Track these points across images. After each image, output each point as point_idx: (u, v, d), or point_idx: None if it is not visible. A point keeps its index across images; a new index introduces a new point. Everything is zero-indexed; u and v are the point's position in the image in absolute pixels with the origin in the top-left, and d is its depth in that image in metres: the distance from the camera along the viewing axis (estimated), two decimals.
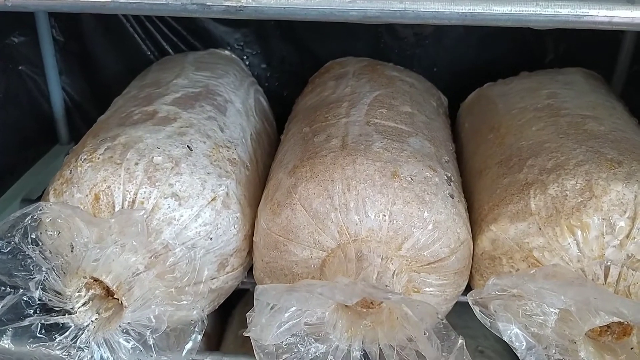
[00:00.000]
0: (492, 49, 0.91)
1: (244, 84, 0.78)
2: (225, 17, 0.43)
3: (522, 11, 0.42)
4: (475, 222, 0.59)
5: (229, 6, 0.43)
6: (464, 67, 0.92)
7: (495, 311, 0.48)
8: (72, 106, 0.99)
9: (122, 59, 0.96)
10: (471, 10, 0.42)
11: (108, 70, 0.97)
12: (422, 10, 0.42)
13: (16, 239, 0.50)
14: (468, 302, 0.60)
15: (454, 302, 0.59)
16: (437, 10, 0.42)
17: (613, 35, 0.88)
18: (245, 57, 0.94)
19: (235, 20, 0.93)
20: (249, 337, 0.89)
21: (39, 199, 0.88)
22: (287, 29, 0.94)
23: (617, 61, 0.88)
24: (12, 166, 0.89)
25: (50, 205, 0.51)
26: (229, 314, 0.94)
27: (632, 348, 0.52)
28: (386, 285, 0.49)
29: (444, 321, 0.44)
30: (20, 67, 0.92)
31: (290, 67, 0.97)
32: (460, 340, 0.44)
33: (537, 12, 0.42)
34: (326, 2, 0.43)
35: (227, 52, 0.86)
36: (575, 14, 0.42)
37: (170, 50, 0.94)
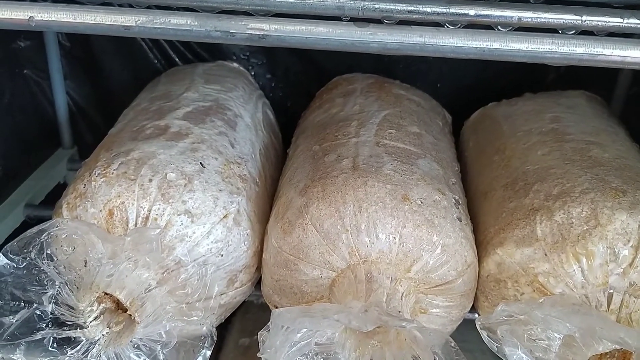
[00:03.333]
0: (495, 66, 0.92)
1: (252, 98, 0.79)
2: (248, 44, 0.44)
3: (538, 48, 0.43)
4: (480, 244, 0.60)
5: (252, 34, 0.44)
6: (467, 84, 0.93)
7: (502, 336, 0.50)
8: (76, 111, 1.00)
9: (127, 65, 0.96)
10: (489, 46, 0.43)
11: (113, 76, 0.97)
12: (441, 44, 0.43)
13: (32, 255, 0.51)
14: (467, 318, 0.61)
15: (459, 322, 0.60)
16: (455, 44, 0.43)
17: None
18: (250, 67, 0.95)
19: None
20: (248, 347, 0.89)
21: (42, 204, 0.89)
22: None
23: (617, 82, 0.90)
24: (15, 170, 0.89)
25: (67, 221, 0.52)
26: (229, 321, 0.95)
27: None
28: (399, 311, 0.50)
29: (456, 348, 0.45)
30: (25, 71, 0.93)
31: (295, 78, 0.97)
32: None
33: (553, 50, 0.43)
34: (347, 34, 0.44)
35: (235, 65, 0.87)
36: (589, 52, 0.43)
37: (177, 59, 0.94)
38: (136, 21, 0.44)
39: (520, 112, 0.74)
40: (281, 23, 0.44)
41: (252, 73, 0.95)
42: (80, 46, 0.95)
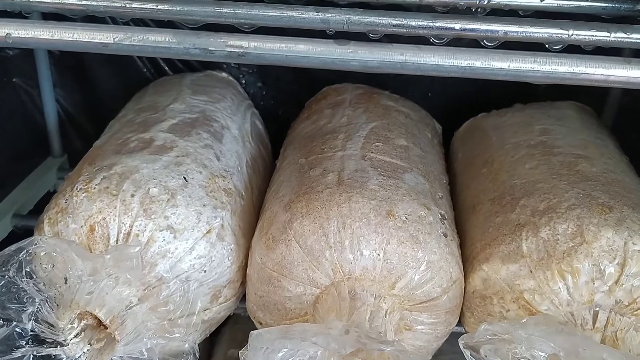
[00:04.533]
0: None
1: (240, 108, 0.78)
2: (227, 61, 0.44)
3: (520, 67, 0.43)
4: (467, 259, 0.60)
5: (231, 52, 0.43)
6: (458, 93, 0.92)
7: (485, 356, 0.49)
8: (65, 119, 0.99)
9: (116, 73, 0.96)
10: (470, 65, 0.43)
11: (102, 84, 0.97)
12: (422, 62, 0.43)
13: (10, 273, 0.50)
14: (456, 331, 0.61)
15: (445, 338, 0.59)
16: (437, 63, 0.43)
17: None
18: (241, 76, 0.94)
19: None
20: (238, 356, 0.89)
21: (30, 213, 0.88)
22: None
23: (609, 92, 0.89)
24: (4, 179, 0.88)
25: (46, 239, 0.51)
26: (218, 331, 0.94)
27: None
28: (380, 332, 0.49)
29: None
30: (14, 80, 0.92)
31: (286, 86, 0.97)
32: None
33: (535, 69, 0.42)
34: (328, 52, 0.43)
35: (224, 74, 0.86)
36: (572, 71, 0.42)
37: (166, 67, 0.93)
38: (114, 38, 0.44)
39: (509, 123, 0.73)
40: (260, 40, 0.44)
41: (243, 81, 0.94)
42: (70, 54, 0.95)
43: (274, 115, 0.95)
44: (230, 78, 0.86)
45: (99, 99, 0.98)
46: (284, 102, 0.97)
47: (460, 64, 0.43)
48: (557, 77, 0.43)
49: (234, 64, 0.94)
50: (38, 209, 0.89)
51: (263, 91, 0.97)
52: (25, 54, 0.91)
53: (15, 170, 0.92)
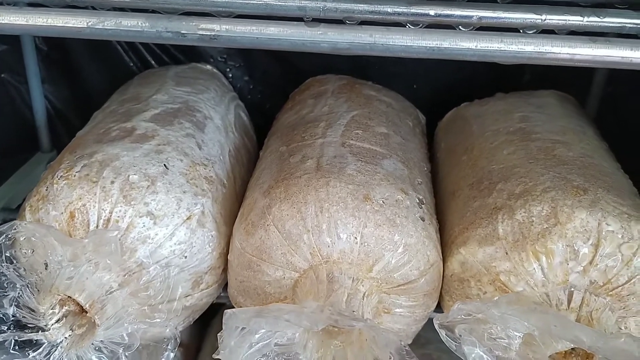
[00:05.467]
0: (471, 67, 0.92)
1: (224, 100, 0.79)
2: (199, 44, 0.44)
3: (487, 47, 0.43)
4: (445, 244, 0.60)
5: (203, 35, 0.44)
6: (443, 85, 0.93)
7: (460, 335, 0.50)
8: (54, 114, 1.00)
9: (104, 68, 0.96)
10: (438, 45, 0.43)
11: (90, 79, 0.97)
12: (391, 43, 0.44)
13: None
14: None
15: (424, 322, 0.60)
16: (405, 44, 0.43)
17: None
18: (227, 70, 0.95)
19: None
20: None
21: (19, 207, 0.89)
22: None
23: (592, 82, 0.90)
24: None
25: (25, 224, 0.52)
26: (208, 324, 0.95)
27: None
28: (353, 311, 0.50)
29: (407, 348, 0.45)
30: (2, 75, 0.93)
31: (273, 80, 0.97)
32: None
33: (502, 49, 0.43)
34: (298, 34, 0.44)
35: (208, 67, 0.87)
36: (538, 50, 0.43)
37: (153, 62, 0.94)
38: (87, 23, 0.44)
39: (490, 111, 0.74)
40: (232, 23, 0.44)
41: (230, 75, 0.95)
42: (58, 50, 0.95)
43: (261, 109, 0.96)
44: (215, 70, 0.87)
45: (87, 95, 0.98)
46: (271, 96, 0.98)
47: (428, 45, 0.43)
48: (524, 57, 0.43)
49: (221, 57, 0.95)
50: None
51: (250, 85, 0.98)
52: (13, 50, 0.92)
53: (4, 165, 0.92)
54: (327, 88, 0.77)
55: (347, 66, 0.91)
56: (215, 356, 0.48)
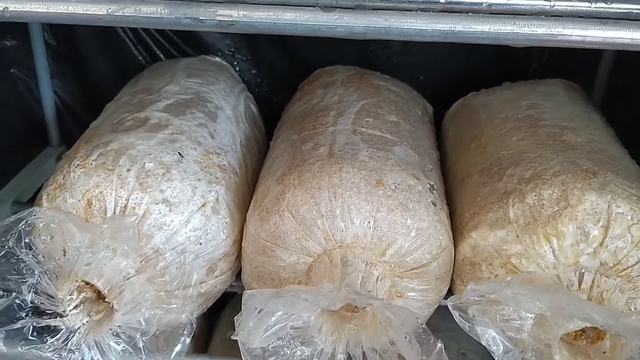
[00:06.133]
0: (478, 57, 0.93)
1: (234, 91, 0.80)
2: (217, 30, 0.45)
3: (500, 30, 0.44)
4: (456, 229, 0.61)
5: (221, 21, 0.44)
6: (450, 76, 0.94)
7: (473, 316, 0.50)
8: (63, 109, 1.00)
9: (113, 63, 0.97)
10: (452, 28, 0.44)
11: (99, 74, 0.98)
12: (405, 27, 0.44)
13: (10, 243, 0.51)
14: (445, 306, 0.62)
15: (436, 306, 0.61)
16: (420, 27, 0.44)
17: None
18: (235, 63, 0.95)
19: None
20: (236, 340, 0.90)
21: (30, 201, 0.90)
22: (277, 36, 0.95)
23: (598, 71, 0.91)
24: (3, 168, 0.90)
25: (44, 210, 0.52)
26: (217, 316, 0.95)
27: (604, 352, 0.54)
28: (369, 291, 0.51)
29: (423, 326, 0.46)
30: (12, 70, 0.94)
31: (280, 73, 0.98)
32: (439, 345, 0.46)
33: (515, 31, 0.44)
34: (314, 19, 0.45)
35: (217, 59, 0.88)
36: (550, 33, 0.44)
37: (162, 55, 0.95)
38: (107, 10, 0.45)
39: (497, 100, 0.74)
40: (249, 9, 0.45)
41: (237, 69, 0.95)
42: (66, 45, 0.96)
43: (269, 103, 0.97)
44: (224, 62, 0.88)
45: (96, 89, 0.99)
46: (278, 89, 0.99)
47: (442, 28, 0.44)
48: (537, 39, 0.44)
49: (228, 51, 0.95)
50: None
51: (257, 78, 0.99)
52: (22, 44, 0.93)
53: (14, 160, 0.93)
54: (336, 78, 0.78)
55: (353, 58, 0.92)
56: (233, 337, 0.49)
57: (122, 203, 0.56)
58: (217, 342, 0.91)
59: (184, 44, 0.94)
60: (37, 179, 0.94)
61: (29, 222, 0.52)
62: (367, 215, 0.55)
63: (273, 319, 0.50)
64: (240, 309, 0.90)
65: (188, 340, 0.56)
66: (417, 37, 0.45)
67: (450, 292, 0.62)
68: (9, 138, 0.93)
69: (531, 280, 0.49)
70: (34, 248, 0.53)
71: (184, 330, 0.57)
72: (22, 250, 0.52)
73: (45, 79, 0.96)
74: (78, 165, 0.58)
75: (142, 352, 0.55)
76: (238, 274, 0.65)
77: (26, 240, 0.52)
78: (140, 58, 0.95)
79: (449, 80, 0.94)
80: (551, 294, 0.49)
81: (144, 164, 0.58)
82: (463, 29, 0.44)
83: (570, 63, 0.91)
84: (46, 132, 1.00)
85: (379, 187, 0.56)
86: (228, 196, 0.62)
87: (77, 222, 0.53)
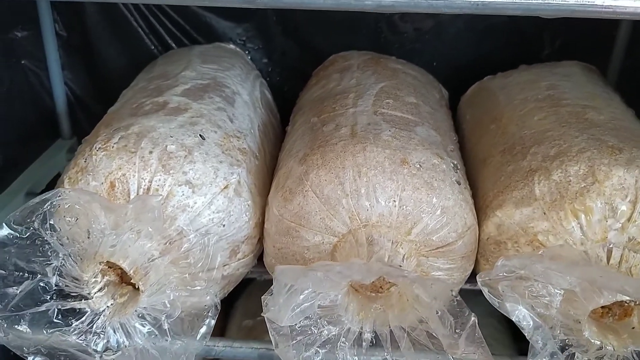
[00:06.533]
0: (490, 43, 0.93)
1: (249, 77, 0.79)
2: (243, 6, 0.45)
3: (530, 1, 0.44)
4: (480, 209, 0.61)
5: None
6: (463, 62, 0.94)
7: (503, 292, 0.50)
8: (74, 101, 1.00)
9: (125, 53, 0.96)
10: (482, 0, 0.44)
11: (111, 65, 0.98)
12: None
13: (35, 225, 0.51)
14: (469, 290, 0.62)
15: (460, 286, 0.60)
16: None
17: (608, 30, 0.90)
18: (247, 52, 0.95)
19: (238, 15, 0.94)
20: (252, 328, 0.90)
21: (42, 192, 0.89)
22: (288, 24, 0.95)
23: (612, 55, 0.91)
24: (15, 160, 0.89)
25: (69, 191, 0.52)
26: (232, 305, 0.95)
27: (633, 328, 0.54)
28: (400, 265, 0.50)
29: (458, 298, 0.46)
30: (22, 62, 0.93)
31: (292, 62, 0.98)
32: (472, 318, 0.45)
33: (546, 2, 0.43)
34: None
35: (231, 46, 0.87)
36: (580, 3, 0.43)
37: (174, 45, 0.94)
38: None
39: (515, 82, 0.74)
40: None
41: (249, 58, 0.95)
42: (78, 36, 0.96)
43: (280, 91, 0.96)
44: (238, 49, 0.88)
45: (108, 80, 0.98)
46: (290, 78, 0.98)
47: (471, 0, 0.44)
48: (567, 10, 0.44)
49: (240, 40, 0.95)
50: (49, 189, 0.90)
51: (269, 67, 0.98)
52: (33, 36, 0.92)
53: (26, 151, 0.93)
54: (352, 63, 0.78)
55: (366, 46, 0.91)
56: (263, 314, 0.49)
57: (145, 185, 0.56)
58: (233, 331, 0.91)
59: (196, 33, 0.94)
60: (49, 171, 0.93)
61: (54, 203, 0.51)
62: (393, 194, 0.55)
63: (301, 297, 0.49)
64: (255, 298, 0.90)
65: (213, 322, 0.56)
66: (445, 9, 0.45)
67: (473, 274, 0.61)
68: (21, 130, 0.92)
69: (562, 254, 0.49)
70: (58, 230, 0.53)
71: (208, 312, 0.56)
72: (47, 232, 0.52)
73: (57, 70, 0.96)
74: (100, 148, 0.58)
75: (168, 334, 0.54)
76: (258, 257, 0.65)
77: (51, 222, 0.52)
78: (152, 47, 0.94)
79: (462, 66, 0.94)
80: (582, 268, 0.48)
81: (166, 146, 0.58)
82: (492, 0, 0.44)
83: (584, 47, 0.91)
84: (57, 124, 1.00)
85: (403, 166, 0.56)
86: (249, 179, 0.61)
87: (103, 202, 0.52)
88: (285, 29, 0.95)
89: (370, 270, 0.45)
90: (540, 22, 0.91)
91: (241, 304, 0.94)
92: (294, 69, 0.98)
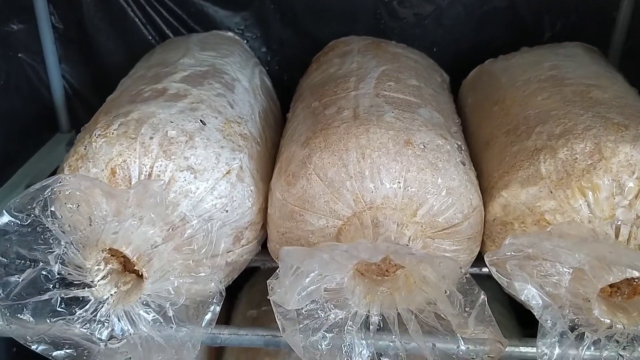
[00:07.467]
0: (490, 28, 0.92)
1: (249, 64, 0.79)
2: None
3: None
4: (485, 191, 0.60)
5: None
6: (463, 47, 0.93)
7: (511, 271, 0.49)
8: (72, 94, 0.99)
9: (122, 44, 0.96)
10: None
11: (108, 57, 0.97)
12: None
13: (36, 211, 0.50)
14: (474, 274, 0.61)
15: (468, 267, 0.60)
16: None
17: (608, 12, 0.89)
18: (245, 41, 0.94)
19: (236, 4, 0.93)
20: (256, 318, 0.89)
21: None
22: (286, 12, 0.94)
23: (612, 37, 0.90)
24: (14, 154, 0.89)
25: (70, 177, 0.51)
26: (236, 296, 0.95)
27: None
28: (407, 244, 0.50)
29: (467, 275, 0.45)
30: (19, 55, 0.92)
31: (290, 51, 0.97)
32: (482, 296, 0.45)
33: None
34: None
35: (230, 34, 0.87)
36: None
37: (171, 35, 0.94)
38: None
39: (518, 64, 0.74)
40: None
41: (248, 47, 0.94)
42: (74, 28, 0.95)
43: (280, 80, 0.96)
44: (236, 37, 0.87)
45: (106, 72, 0.98)
46: (289, 66, 0.97)
47: None
48: None
49: (238, 29, 0.94)
50: None
51: (267, 56, 0.97)
52: (30, 29, 0.92)
53: (24, 146, 0.92)
54: (352, 47, 0.77)
55: (365, 32, 0.91)
56: (269, 297, 0.48)
57: (146, 171, 0.55)
58: (237, 321, 0.90)
59: (194, 23, 0.93)
60: (49, 164, 0.93)
61: (54, 189, 0.50)
62: (397, 175, 0.54)
63: (307, 280, 0.49)
64: (259, 288, 0.90)
65: (218, 308, 0.55)
66: None
67: (479, 257, 0.61)
68: (19, 124, 0.91)
69: (571, 231, 0.48)
70: (59, 217, 0.52)
71: (213, 299, 0.56)
72: (48, 219, 0.51)
73: (54, 63, 0.95)
74: (99, 135, 0.57)
75: (173, 321, 0.54)
76: (262, 244, 0.64)
77: (52, 209, 0.51)
78: (150, 38, 0.94)
79: (462, 52, 0.93)
80: (592, 244, 0.48)
81: (167, 131, 0.57)
82: None
83: (585, 30, 0.90)
84: (56, 118, 0.99)
85: (407, 147, 0.55)
86: (251, 164, 0.61)
87: (104, 187, 0.52)
88: (284, 17, 0.95)
89: (377, 250, 0.45)
90: (540, 5, 0.92)
91: (245, 294, 0.93)
92: (293, 57, 0.97)
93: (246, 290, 0.93)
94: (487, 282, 0.57)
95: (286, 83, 0.94)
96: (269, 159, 0.67)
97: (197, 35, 0.83)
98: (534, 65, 0.71)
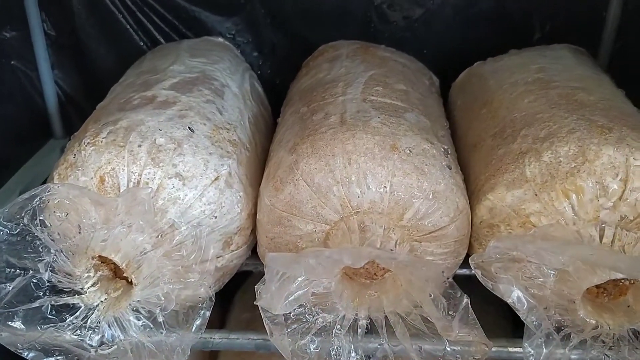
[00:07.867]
0: (480, 30, 0.93)
1: (239, 70, 0.79)
2: None
3: None
4: (472, 193, 0.60)
5: None
6: (453, 49, 0.93)
7: (496, 273, 0.50)
8: (65, 100, 1.00)
9: (114, 50, 0.96)
10: None
11: (101, 63, 0.97)
12: None
13: (25, 220, 0.51)
14: (462, 275, 0.62)
15: (455, 270, 0.60)
16: None
17: (598, 13, 0.90)
18: (237, 47, 0.95)
19: (227, 9, 0.94)
20: (250, 321, 0.89)
21: None
22: (277, 17, 0.95)
23: (602, 38, 0.90)
24: (7, 161, 0.89)
25: (58, 186, 0.52)
26: (230, 300, 0.95)
27: (628, 306, 0.54)
28: (391, 250, 0.50)
29: (449, 280, 0.46)
30: (12, 62, 0.93)
31: (282, 55, 0.98)
32: (465, 300, 0.45)
33: None
34: None
35: (220, 40, 0.87)
36: None
37: (163, 41, 0.94)
38: None
39: (506, 66, 0.74)
40: None
41: (239, 52, 0.95)
42: (66, 35, 0.96)
43: (272, 84, 0.96)
44: (227, 43, 0.87)
45: (98, 78, 0.98)
46: (280, 70, 0.98)
47: None
48: None
49: (229, 34, 0.95)
50: None
51: (259, 61, 0.98)
52: (22, 36, 0.92)
53: (18, 152, 0.93)
54: (341, 52, 0.77)
55: (356, 36, 0.91)
56: (256, 302, 0.49)
57: (135, 178, 0.56)
58: (232, 325, 0.91)
59: (185, 28, 0.94)
60: (43, 171, 0.93)
61: (43, 198, 0.51)
62: (383, 180, 0.55)
63: (294, 284, 0.49)
64: (253, 292, 0.90)
65: (208, 313, 0.56)
66: None
67: (465, 261, 0.61)
68: (13, 131, 0.92)
69: (554, 232, 0.49)
70: (49, 225, 0.53)
71: (203, 304, 0.56)
72: (37, 228, 0.52)
73: (47, 70, 0.96)
74: (89, 143, 0.57)
75: (163, 326, 0.54)
76: (252, 252, 0.64)
77: (41, 218, 0.52)
78: (142, 44, 0.94)
79: (452, 54, 0.94)
80: (575, 246, 0.48)
81: (155, 139, 0.57)
82: None
83: (574, 31, 0.91)
84: (49, 124, 1.00)
85: (393, 152, 0.55)
86: (240, 170, 0.61)
87: (92, 196, 0.52)
88: (274, 21, 0.95)
89: (361, 255, 0.45)
90: (530, 6, 0.92)
91: (239, 299, 0.94)
92: (284, 61, 0.97)
93: (240, 294, 0.93)
94: (481, 284, 0.57)
95: (278, 87, 0.95)
96: (259, 164, 0.67)
97: (188, 42, 0.84)
98: (521, 68, 0.71)
